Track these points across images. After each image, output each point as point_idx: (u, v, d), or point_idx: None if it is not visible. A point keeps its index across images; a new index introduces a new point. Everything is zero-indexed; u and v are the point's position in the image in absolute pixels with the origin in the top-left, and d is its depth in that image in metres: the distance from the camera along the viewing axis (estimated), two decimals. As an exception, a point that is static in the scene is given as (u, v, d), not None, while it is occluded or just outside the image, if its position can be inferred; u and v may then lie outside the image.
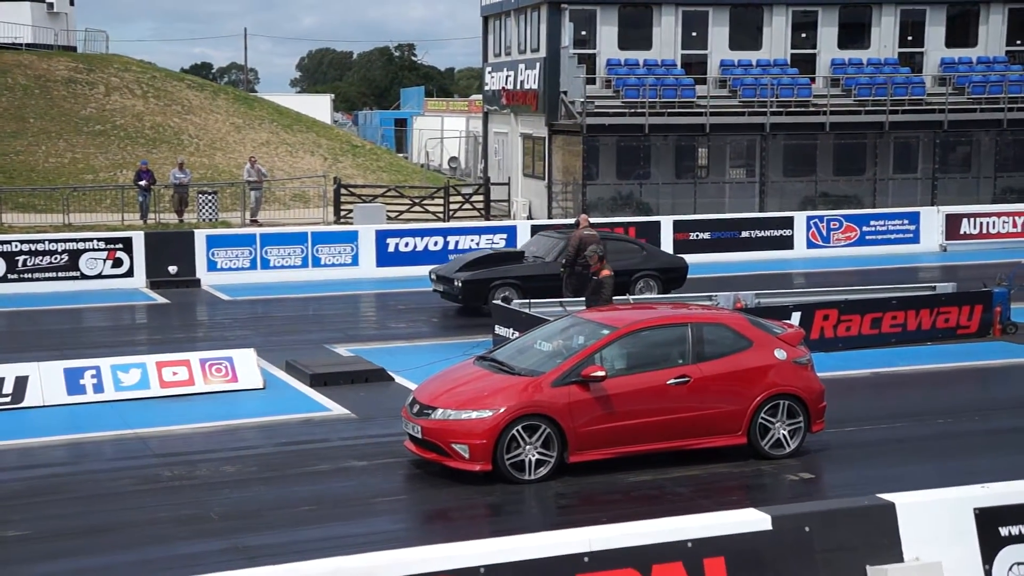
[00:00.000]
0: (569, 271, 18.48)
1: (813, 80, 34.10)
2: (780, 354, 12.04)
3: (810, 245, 28.88)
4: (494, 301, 19.05)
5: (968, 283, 19.90)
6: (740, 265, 26.91)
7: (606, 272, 15.93)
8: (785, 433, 11.98)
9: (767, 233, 28.67)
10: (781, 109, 32.90)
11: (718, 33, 34.16)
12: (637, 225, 27.96)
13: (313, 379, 15.22)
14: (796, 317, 16.68)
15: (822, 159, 34.29)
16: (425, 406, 11.50)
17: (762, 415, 11.88)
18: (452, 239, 26.22)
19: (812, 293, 19.52)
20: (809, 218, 29.23)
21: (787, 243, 28.72)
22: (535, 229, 26.02)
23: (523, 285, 20.14)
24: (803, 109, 33.27)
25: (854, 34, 35.16)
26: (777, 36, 34.50)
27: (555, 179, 33.93)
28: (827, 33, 34.72)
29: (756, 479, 11.52)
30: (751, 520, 7.49)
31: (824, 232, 29.05)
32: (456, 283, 20.21)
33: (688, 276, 21.66)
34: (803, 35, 34.95)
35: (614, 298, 16.05)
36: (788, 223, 28.96)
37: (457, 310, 20.89)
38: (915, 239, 29.66)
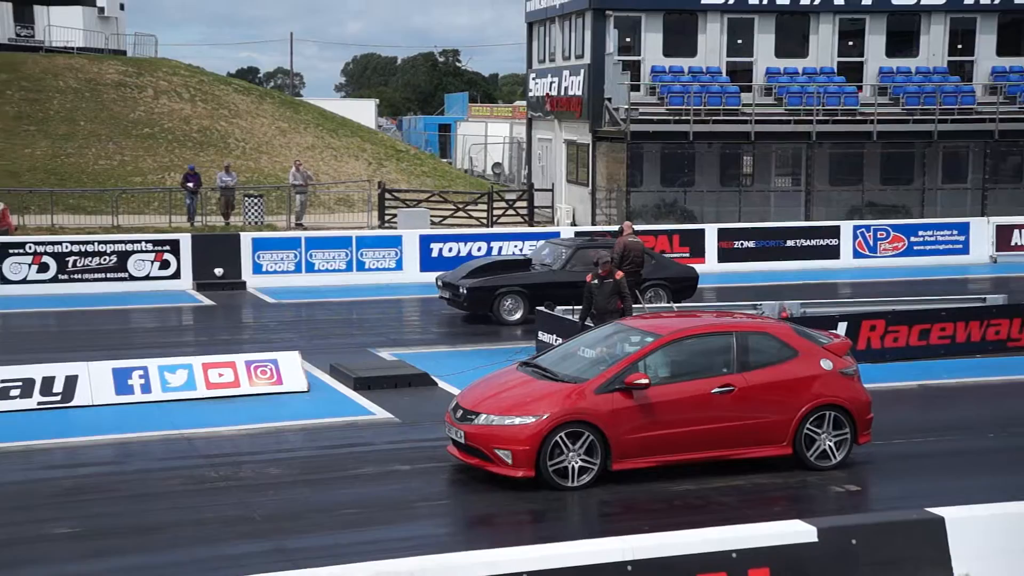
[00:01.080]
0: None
1: (860, 88, 33.81)
2: (826, 364, 11.94)
3: (856, 255, 28.61)
4: (504, 310, 19.03)
5: (1019, 295, 19.65)
6: (785, 274, 26.71)
7: (620, 273, 15.77)
8: (831, 444, 11.87)
9: (813, 242, 28.44)
10: (827, 117, 32.65)
11: (764, 40, 33.96)
12: (681, 233, 27.86)
13: (357, 383, 15.29)
14: (843, 327, 16.52)
15: (869, 168, 33.97)
16: (468, 411, 11.52)
17: (808, 426, 11.78)
18: (495, 244, 26.23)
19: (859, 303, 19.32)
20: (856, 227, 28.96)
21: (833, 253, 28.47)
22: (578, 236, 26.00)
23: (529, 293, 19.93)
24: (850, 118, 32.99)
25: (902, 42, 34.82)
26: (824, 44, 34.25)
27: (599, 186, 33.88)
28: (875, 41, 34.41)
29: (801, 490, 11.43)
30: (796, 531, 7.44)
31: (871, 242, 28.78)
32: (461, 290, 20.00)
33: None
34: (850, 43, 34.67)
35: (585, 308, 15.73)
36: (834, 232, 28.71)
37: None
38: (964, 250, 29.30)
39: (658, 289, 20.72)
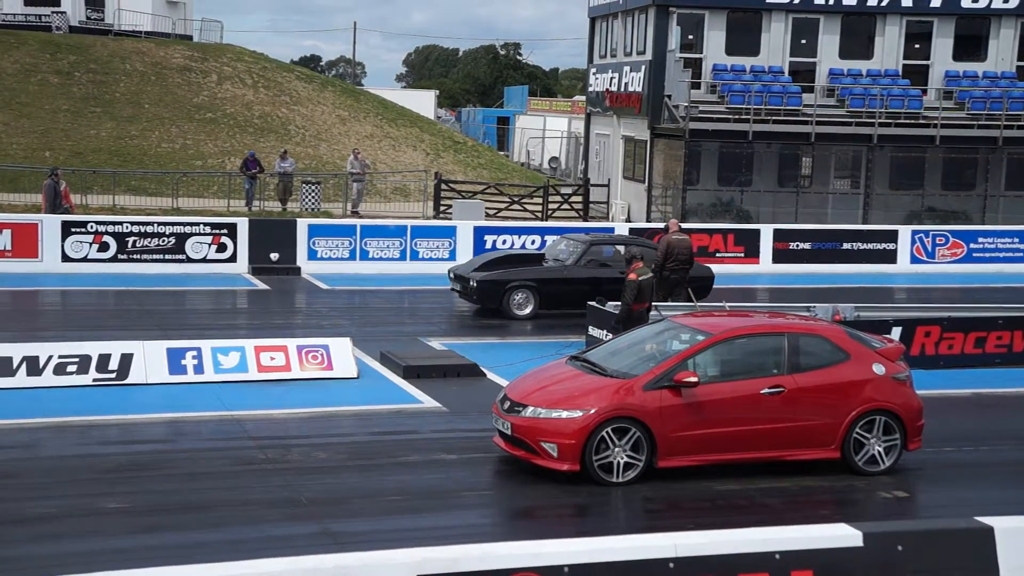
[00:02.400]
0: (659, 276, 18.19)
1: (925, 92, 33.34)
2: (878, 369, 11.82)
3: (914, 260, 28.25)
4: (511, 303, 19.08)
5: (1079, 306, 19.24)
6: (840, 277, 26.44)
7: (632, 276, 15.64)
8: (880, 450, 11.76)
9: (870, 246, 28.12)
10: (890, 120, 32.24)
11: (828, 41, 33.60)
12: (736, 232, 27.68)
13: (406, 371, 15.38)
14: (896, 332, 16.34)
15: (930, 173, 33.50)
16: (516, 403, 11.55)
17: (857, 430, 11.67)
18: (549, 238, 26.22)
19: (914, 309, 19.08)
20: (914, 232, 28.59)
21: (890, 257, 28.13)
22: (633, 232, 25.93)
23: (540, 288, 19.74)
24: (913, 121, 32.55)
25: (970, 46, 34.28)
26: (889, 46, 33.81)
27: (655, 182, 33.75)
28: (942, 44, 33.91)
29: (848, 494, 11.33)
30: (842, 535, 7.39)
31: (929, 247, 28.39)
32: (471, 283, 19.79)
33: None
34: (916, 46, 34.19)
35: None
36: (892, 236, 28.37)
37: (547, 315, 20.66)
38: (1025, 258, 28.82)
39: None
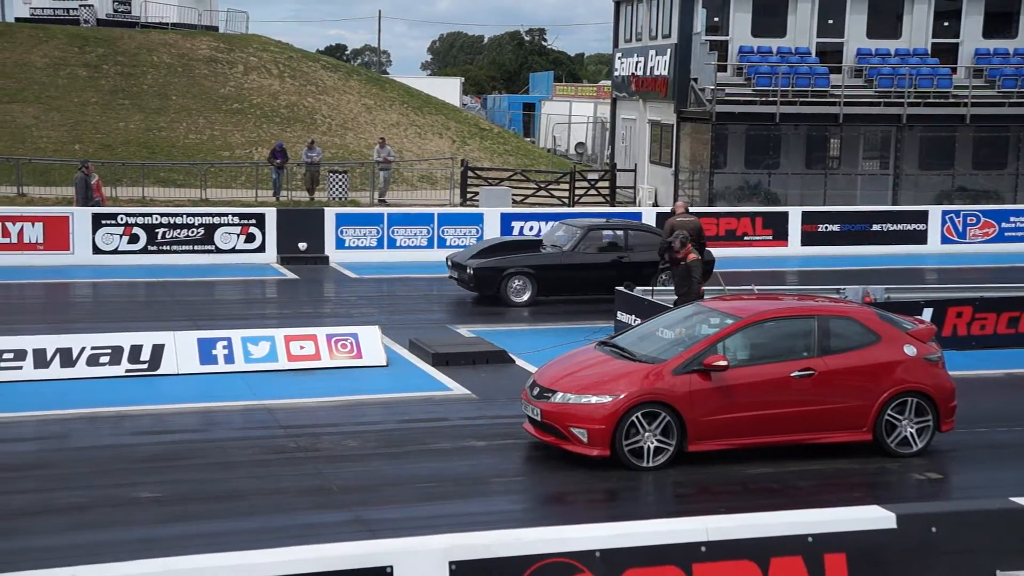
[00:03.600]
0: (663, 259, 18.17)
1: (955, 70, 32.99)
2: (910, 350, 11.74)
3: (945, 240, 28.00)
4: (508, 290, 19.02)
5: (1114, 285, 19.04)
6: (870, 259, 26.25)
7: (693, 256, 15.58)
8: (912, 431, 11.68)
9: (900, 227, 27.90)
10: (919, 100, 31.93)
11: (856, 21, 33.29)
12: (764, 215, 27.52)
13: (435, 358, 15.41)
14: (928, 313, 16.20)
15: (961, 152, 33.16)
16: (545, 389, 11.54)
17: (889, 412, 11.60)
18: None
19: (946, 289, 18.93)
20: (944, 213, 28.34)
21: (920, 238, 27.90)
22: (660, 216, 25.82)
23: (537, 275, 19.61)
24: (942, 100, 32.22)
25: (1000, 23, 33.87)
26: (918, 25, 33.46)
27: (682, 167, 33.59)
28: (972, 22, 33.53)
29: (880, 476, 11.27)
30: (875, 517, 7.33)
31: (960, 228, 28.14)
32: (468, 270, 19.67)
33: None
34: (945, 24, 33.82)
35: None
36: (922, 217, 28.13)
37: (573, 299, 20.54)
38: (1058, 237, 28.52)
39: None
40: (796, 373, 11.40)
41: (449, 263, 20.76)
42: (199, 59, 43.26)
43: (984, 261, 26.41)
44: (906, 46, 33.41)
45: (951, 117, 32.22)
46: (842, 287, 17.57)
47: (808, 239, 27.13)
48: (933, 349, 11.97)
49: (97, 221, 23.65)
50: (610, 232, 20.63)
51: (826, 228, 27.53)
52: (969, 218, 28.30)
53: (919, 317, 14.92)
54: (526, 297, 19.71)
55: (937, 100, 32.14)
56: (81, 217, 23.68)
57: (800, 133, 32.80)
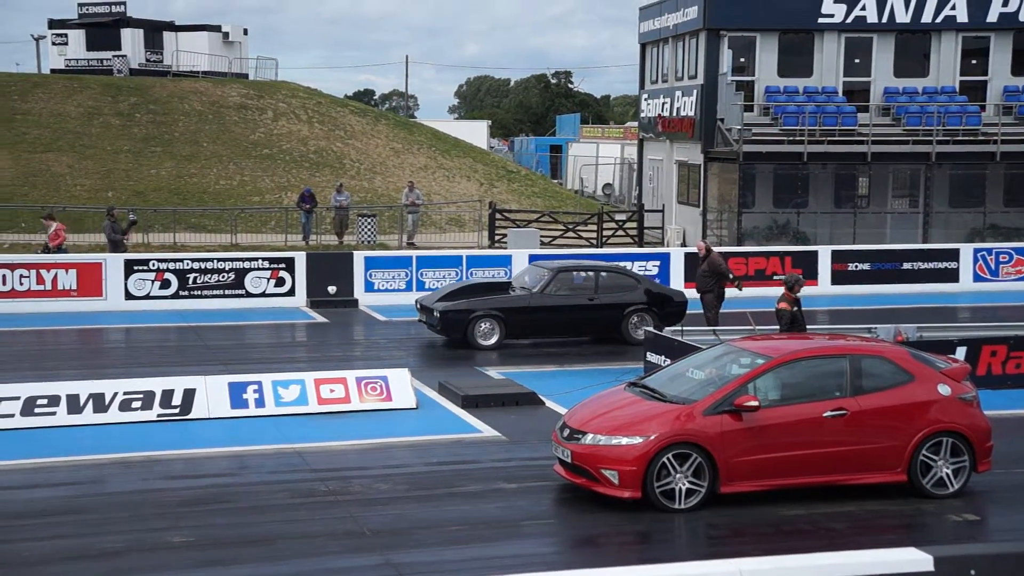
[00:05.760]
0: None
1: (983, 108, 32.91)
2: (944, 389, 11.63)
3: (977, 278, 27.79)
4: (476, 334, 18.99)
5: None
6: (901, 298, 26.09)
7: (783, 305, 15.77)
8: (948, 472, 11.54)
9: (931, 265, 27.73)
10: (948, 138, 31.85)
11: (882, 60, 33.33)
12: (793, 255, 27.43)
13: (465, 400, 15.40)
14: (962, 352, 16.06)
15: (991, 189, 33.01)
16: (575, 431, 11.51)
17: (924, 452, 11.48)
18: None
19: (979, 328, 18.75)
20: (976, 250, 28.15)
21: (952, 276, 27.70)
22: (688, 257, 25.79)
23: (506, 318, 19.32)
24: (971, 138, 32.13)
25: (1029, 60, 33.82)
26: (945, 63, 33.45)
27: (710, 207, 33.59)
28: (999, 59, 33.50)
29: (916, 518, 11.13)
30: (911, 560, 7.25)
31: (992, 265, 27.93)
32: (435, 313, 19.42)
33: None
34: (973, 61, 33.79)
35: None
36: (953, 255, 27.94)
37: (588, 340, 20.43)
38: (1092, 275, 28.24)
39: (643, 314, 19.75)
40: (828, 413, 11.31)
41: (418, 306, 20.49)
42: (229, 106, 43.79)
43: (1018, 299, 26.16)
44: (934, 84, 33.39)
45: (981, 154, 32.11)
46: (874, 326, 17.46)
47: (838, 278, 27.00)
48: (968, 388, 11.85)
49: (129, 267, 23.88)
50: (580, 274, 20.43)
51: (856, 267, 27.39)
52: (1002, 255, 28.09)
53: (953, 356, 14.78)
54: (494, 340, 19.42)
55: (966, 138, 32.06)
56: (114, 263, 23.92)
57: (828, 172, 32.77)
